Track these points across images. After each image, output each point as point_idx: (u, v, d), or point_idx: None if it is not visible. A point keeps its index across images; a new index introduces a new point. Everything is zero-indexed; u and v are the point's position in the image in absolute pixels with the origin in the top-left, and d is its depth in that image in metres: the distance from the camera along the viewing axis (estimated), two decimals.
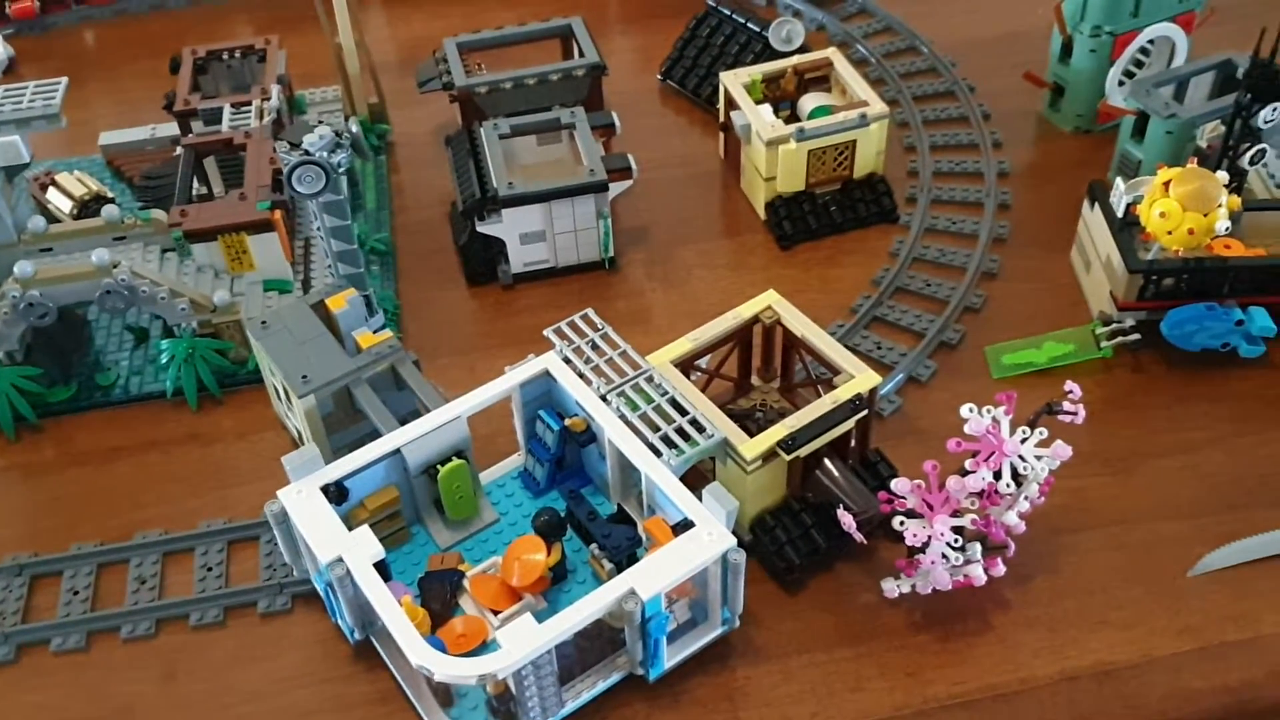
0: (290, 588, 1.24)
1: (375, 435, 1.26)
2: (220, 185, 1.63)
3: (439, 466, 1.20)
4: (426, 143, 1.86)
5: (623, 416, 1.19)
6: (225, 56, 1.74)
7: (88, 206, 1.63)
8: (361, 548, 1.09)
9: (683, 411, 1.19)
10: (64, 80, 1.48)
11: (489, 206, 1.51)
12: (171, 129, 1.77)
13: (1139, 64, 1.74)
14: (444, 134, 1.86)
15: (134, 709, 1.17)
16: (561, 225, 1.54)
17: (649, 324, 1.52)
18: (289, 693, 1.17)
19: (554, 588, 1.19)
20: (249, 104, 1.62)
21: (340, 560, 1.08)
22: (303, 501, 1.13)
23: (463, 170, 1.56)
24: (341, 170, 1.30)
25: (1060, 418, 1.16)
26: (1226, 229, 1.30)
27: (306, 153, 1.29)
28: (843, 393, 1.20)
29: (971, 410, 1.12)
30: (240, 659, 1.20)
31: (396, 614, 1.05)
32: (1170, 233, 1.30)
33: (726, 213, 1.70)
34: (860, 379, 1.20)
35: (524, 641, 1.01)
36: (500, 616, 1.15)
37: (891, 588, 1.16)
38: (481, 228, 1.53)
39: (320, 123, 1.32)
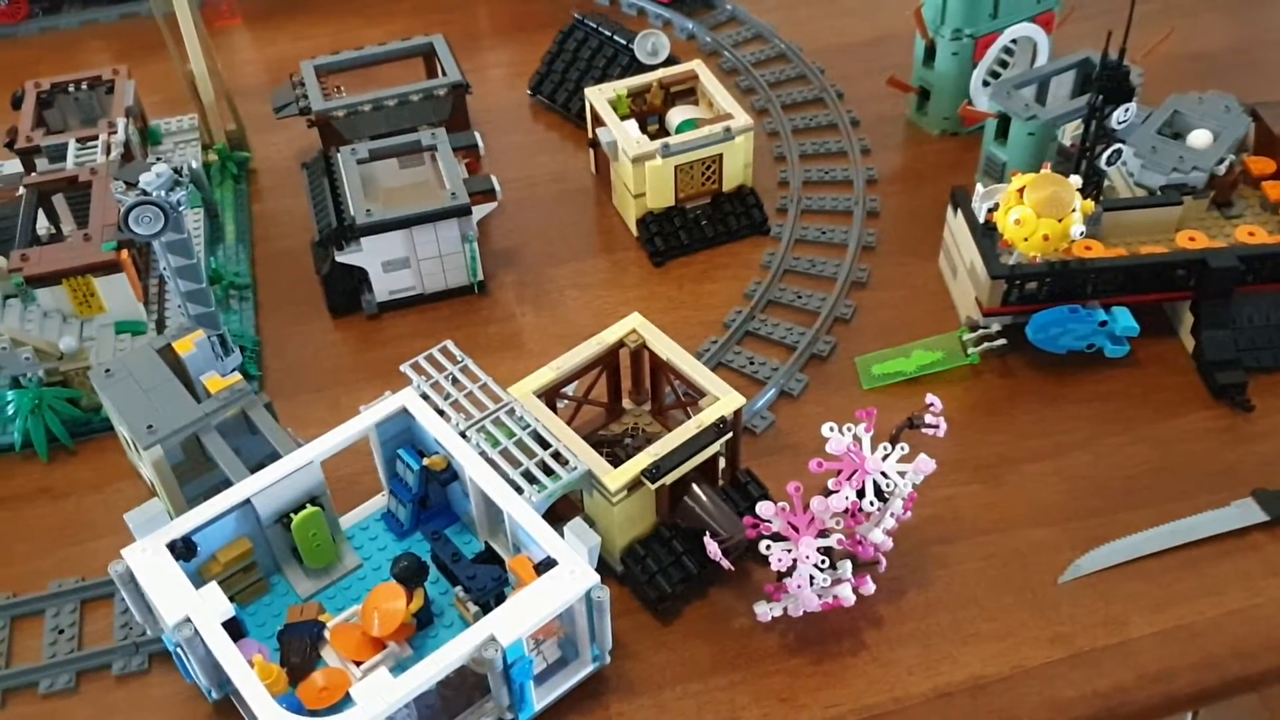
0: (146, 646, 1.19)
1: (229, 484, 1.21)
2: (72, 223, 1.56)
3: (292, 515, 1.16)
4: (288, 169, 1.80)
5: (483, 453, 1.16)
6: (71, 89, 1.66)
7: None
8: (210, 606, 1.04)
9: (545, 445, 1.16)
10: None
11: (347, 235, 1.47)
12: (18, 167, 1.70)
13: (1004, 64, 1.75)
14: (303, 160, 1.82)
15: None
16: (425, 251, 1.50)
17: (520, 349, 1.49)
18: None
19: (420, 633, 1.15)
20: (96, 138, 1.55)
21: (188, 620, 1.04)
22: (149, 559, 1.08)
23: (319, 198, 1.51)
24: (181, 209, 1.25)
25: (923, 431, 1.16)
26: (1081, 234, 1.31)
27: (144, 192, 1.24)
28: (707, 416, 1.18)
29: (832, 429, 1.11)
30: None
31: (247, 675, 1.00)
32: (1026, 239, 1.31)
33: (599, 230, 1.67)
34: (724, 400, 1.19)
35: (379, 697, 0.98)
36: (362, 668, 1.11)
37: (764, 611, 1.15)
38: (341, 257, 1.48)
39: (158, 160, 1.27)
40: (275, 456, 1.25)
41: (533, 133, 1.86)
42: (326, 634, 1.14)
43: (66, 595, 1.25)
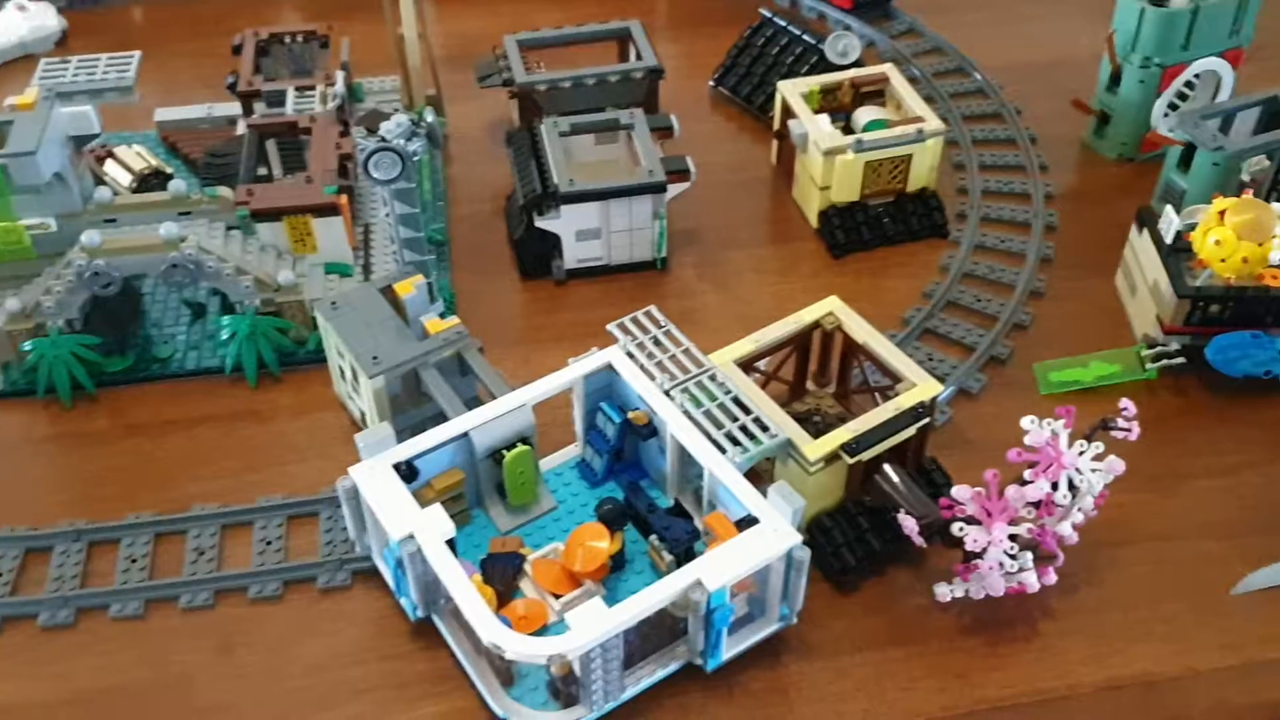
0: (350, 564, 1.26)
1: (437, 419, 1.28)
2: (279, 167, 1.65)
3: (504, 451, 1.22)
4: (478, 138, 1.88)
5: (686, 412, 1.21)
6: (287, 40, 1.76)
7: (146, 181, 1.65)
8: (433, 525, 1.11)
9: (746, 410, 1.21)
10: (137, 54, 1.50)
11: (549, 202, 1.53)
12: (228, 109, 1.80)
13: (1183, 96, 1.78)
14: (494, 130, 1.89)
15: (192, 677, 1.18)
16: (618, 224, 1.56)
17: (700, 325, 1.54)
18: (347, 668, 1.19)
19: (611, 575, 1.21)
20: (313, 88, 1.64)
21: (411, 537, 1.10)
22: (374, 478, 1.15)
23: (524, 165, 1.58)
24: (416, 158, 1.33)
25: (1114, 434, 1.19)
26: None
27: (383, 139, 1.32)
28: (905, 400, 1.22)
29: (1033, 422, 1.15)
30: (298, 633, 1.22)
31: (468, 591, 1.07)
32: (1224, 260, 1.34)
33: (777, 220, 1.72)
34: (922, 387, 1.23)
35: (594, 625, 1.04)
36: (561, 601, 1.17)
37: (944, 592, 1.19)
38: (539, 223, 1.55)
39: (396, 110, 1.34)
40: (477, 400, 1.32)
41: (712, 122, 1.92)
42: (527, 566, 1.20)
43: (274, 510, 1.32)
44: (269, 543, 1.29)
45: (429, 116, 1.34)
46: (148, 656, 1.20)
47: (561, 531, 1.26)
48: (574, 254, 1.59)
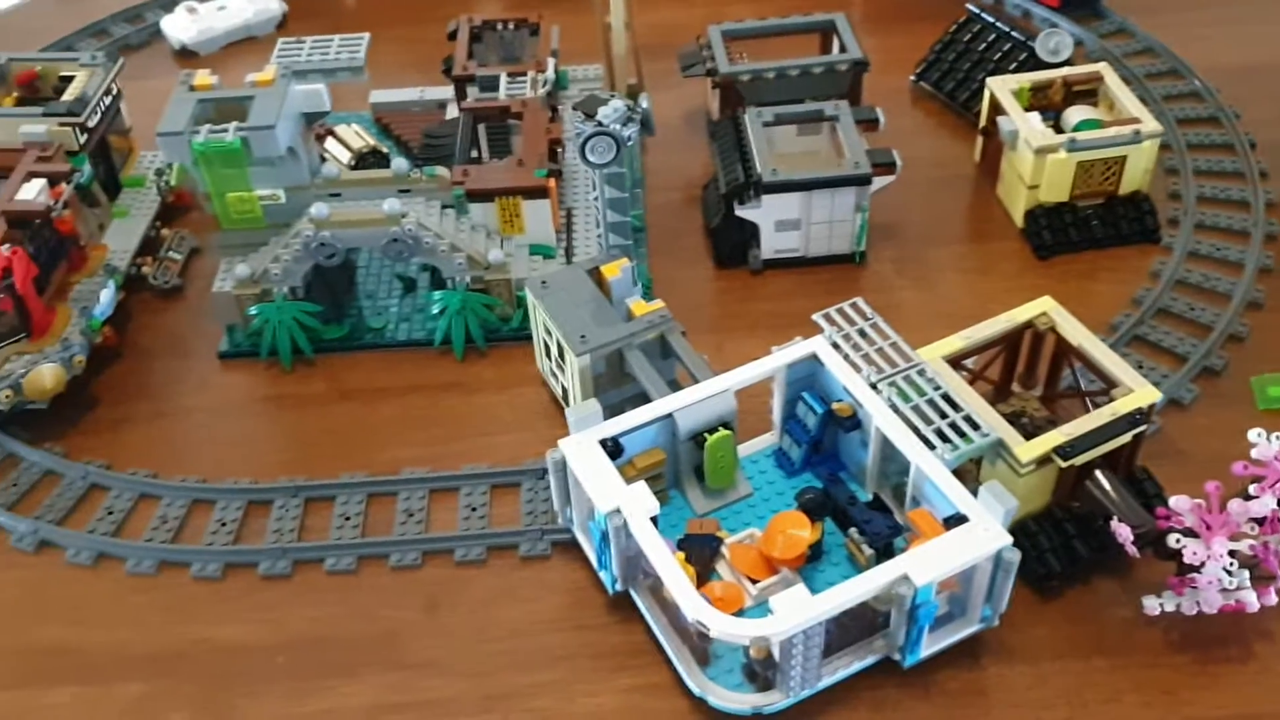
0: (551, 534, 1.30)
1: (636, 399, 1.31)
2: (487, 151, 1.70)
3: (706, 435, 1.24)
4: (674, 127, 1.90)
5: (893, 406, 1.21)
6: (499, 27, 1.81)
7: (364, 159, 1.72)
8: (639, 502, 1.13)
9: (956, 408, 1.20)
10: (366, 36, 1.57)
11: (750, 191, 1.54)
12: (439, 92, 1.86)
13: None
14: (690, 119, 1.91)
15: (399, 633, 1.23)
16: (818, 215, 1.56)
17: (899, 320, 1.50)
18: (546, 635, 1.22)
19: (807, 565, 1.22)
20: (524, 74, 1.69)
21: (618, 511, 1.13)
22: (582, 452, 1.18)
23: (727, 154, 1.60)
24: (630, 143, 1.35)
25: None
26: None
27: (600, 124, 1.35)
28: (1121, 406, 1.19)
29: (1260, 435, 1.11)
30: (500, 597, 1.26)
31: (673, 568, 1.09)
32: None
33: (979, 218, 1.70)
34: (1140, 393, 1.20)
35: (799, 611, 1.04)
36: (758, 586, 1.19)
37: (1153, 605, 1.15)
38: (740, 211, 1.56)
39: (613, 96, 1.37)
40: (675, 384, 1.34)
41: (912, 117, 1.90)
42: (724, 549, 1.22)
43: (478, 478, 1.37)
44: (474, 509, 1.34)
45: (644, 103, 1.37)
46: (359, 610, 1.26)
47: (757, 518, 1.27)
48: (771, 244, 1.60)
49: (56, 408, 1.45)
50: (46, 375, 1.40)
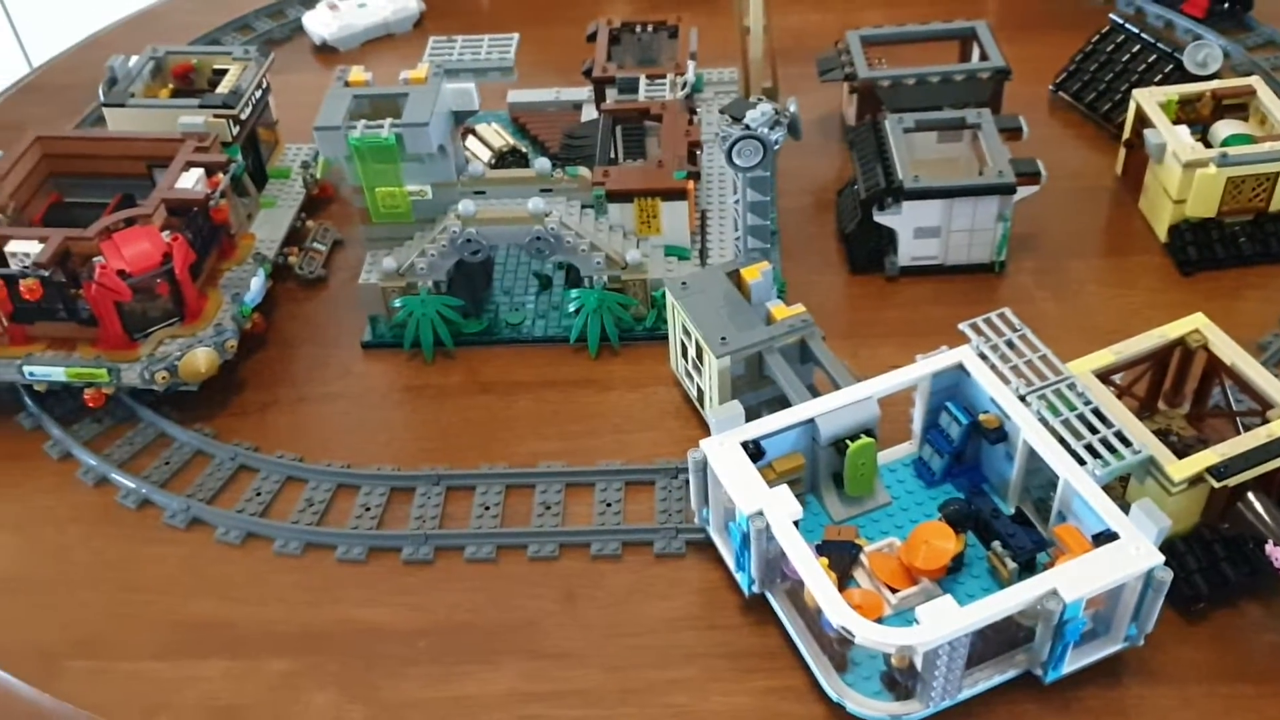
0: (685, 533, 1.31)
1: (773, 403, 1.31)
2: (622, 152, 1.72)
3: (848, 441, 1.24)
4: (805, 131, 1.89)
5: (1042, 420, 1.19)
6: (638, 29, 1.83)
7: (504, 158, 1.76)
8: (782, 505, 1.14)
9: (1106, 423, 1.18)
10: (516, 36, 1.60)
11: (890, 197, 1.54)
12: (575, 93, 1.89)
13: None
14: (822, 124, 1.91)
15: (538, 623, 1.26)
16: (959, 223, 1.55)
17: (1038, 333, 1.48)
18: (680, 632, 1.23)
19: (946, 577, 1.21)
20: (664, 77, 1.70)
21: (760, 514, 1.14)
22: (724, 454, 1.19)
23: (867, 159, 1.59)
24: (777, 147, 1.36)
25: None
26: None
27: (748, 127, 1.36)
28: (1278, 427, 1.16)
29: None
30: (635, 593, 1.28)
31: (817, 572, 1.09)
32: None
33: (1119, 231, 1.67)
34: None
35: (945, 622, 1.04)
36: (898, 595, 1.18)
37: None
38: (878, 217, 1.56)
39: (760, 99, 1.38)
40: (813, 389, 1.34)
41: (1050, 126, 1.87)
42: (863, 557, 1.22)
43: (613, 474, 1.39)
44: (609, 505, 1.36)
45: (792, 107, 1.37)
46: (497, 598, 1.28)
47: (895, 527, 1.27)
48: (909, 251, 1.59)
49: (206, 390, 1.50)
50: (200, 358, 1.45)
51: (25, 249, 1.42)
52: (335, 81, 1.53)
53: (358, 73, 1.53)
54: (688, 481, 1.35)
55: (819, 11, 2.22)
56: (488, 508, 1.37)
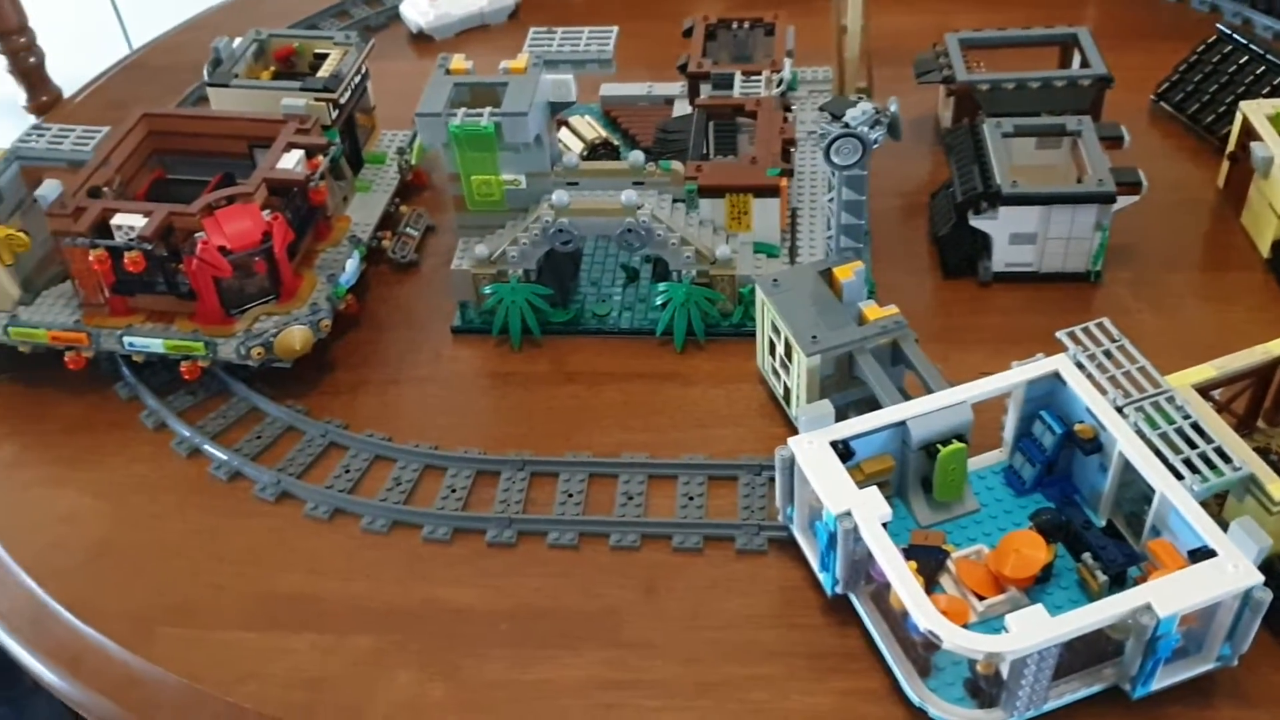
0: (768, 531, 1.31)
1: (860, 404, 1.31)
2: (713, 147, 1.72)
3: (939, 446, 1.23)
4: None
5: (1139, 432, 1.17)
6: (734, 26, 1.83)
7: (595, 150, 1.77)
8: (870, 506, 1.13)
9: (1206, 439, 1.16)
10: (615, 29, 1.61)
11: (988, 202, 1.52)
12: (666, 88, 1.90)
13: None
14: (914, 127, 1.90)
15: (619, 611, 1.26)
16: (1056, 231, 1.53)
17: (1134, 345, 1.48)
18: (760, 629, 1.23)
19: (1034, 586, 1.20)
20: (759, 73, 1.70)
21: (849, 514, 1.13)
22: (812, 452, 1.19)
23: (964, 163, 1.58)
24: (876, 146, 1.35)
25: None
26: None
27: (847, 125, 1.35)
28: None
29: None
30: (716, 587, 1.28)
31: (906, 575, 1.08)
32: None
33: (1220, 245, 1.64)
34: None
35: (1036, 631, 1.03)
36: (984, 603, 1.17)
37: None
38: (974, 221, 1.54)
39: (860, 98, 1.37)
40: (903, 392, 1.33)
41: (1150, 137, 1.84)
42: (950, 563, 1.21)
43: (696, 468, 1.39)
44: (691, 498, 1.36)
45: (893, 106, 1.36)
46: (579, 586, 1.29)
47: (982, 534, 1.26)
48: (1003, 257, 1.57)
49: (298, 368, 1.53)
50: (296, 336, 1.48)
51: (130, 222, 1.46)
52: (437, 69, 1.55)
53: (459, 61, 1.55)
54: (771, 479, 1.36)
55: (910, 14, 2.20)
56: (570, 495, 1.38)
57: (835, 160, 1.35)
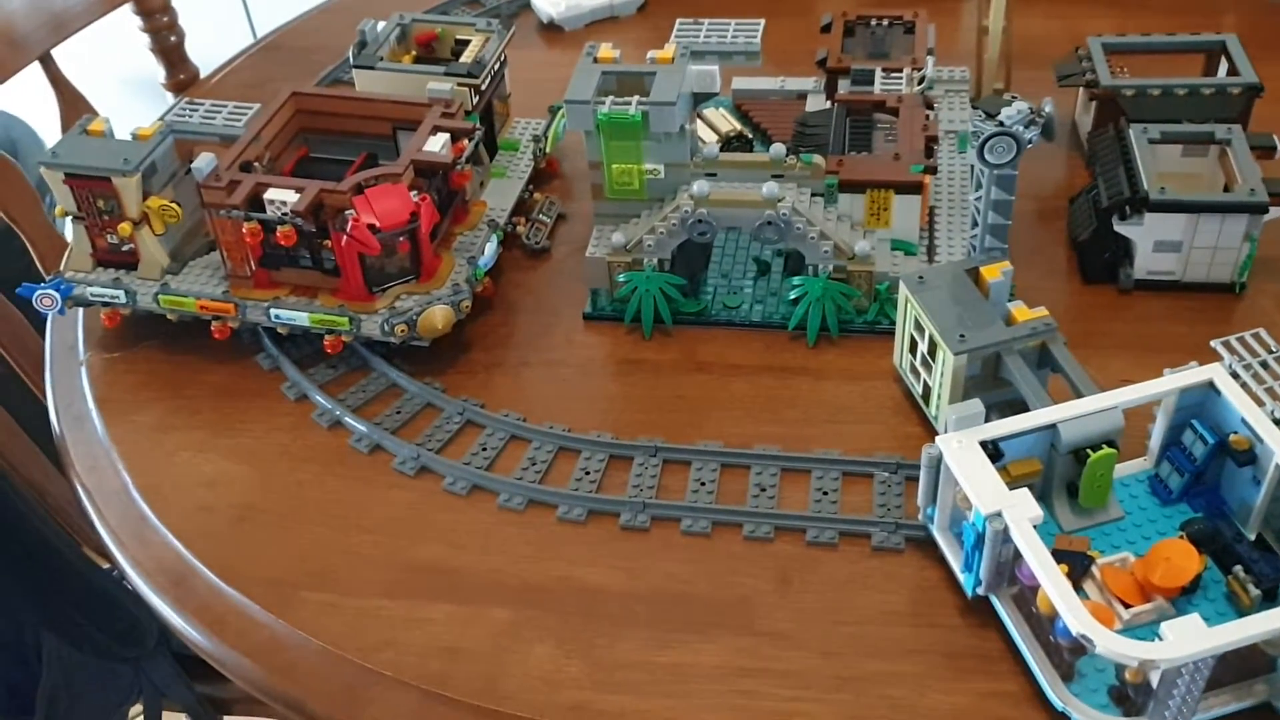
0: (905, 529, 1.31)
1: (1004, 406, 1.30)
2: (847, 143, 1.71)
3: (1089, 451, 1.22)
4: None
5: None
6: (873, 23, 1.82)
7: (730, 143, 1.77)
8: (1022, 508, 1.13)
9: None
10: (762, 21, 1.61)
11: (1134, 207, 1.50)
12: (799, 83, 1.89)
13: None
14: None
15: (751, 601, 1.27)
16: (1203, 240, 1.50)
17: None
18: (896, 626, 1.23)
19: (1180, 597, 1.18)
20: (900, 70, 1.69)
21: (999, 515, 1.13)
22: (962, 452, 1.18)
23: (1109, 168, 1.56)
24: (1030, 146, 1.34)
25: None
26: None
27: (1002, 124, 1.34)
28: None
29: None
30: (851, 583, 1.28)
31: (1058, 577, 1.07)
32: None
33: None
34: None
35: (1193, 640, 1.01)
36: (1130, 611, 1.16)
37: None
38: (1119, 227, 1.52)
39: (1015, 97, 1.36)
40: (1041, 398, 1.32)
41: None
42: (1095, 569, 1.19)
43: (830, 463, 1.39)
44: (825, 493, 1.36)
45: (1047, 107, 1.35)
46: (711, 573, 1.30)
47: (1126, 542, 1.24)
48: (1145, 264, 1.55)
49: (435, 347, 1.55)
50: (438, 316, 1.51)
51: (283, 197, 1.49)
52: (584, 57, 1.57)
53: (606, 49, 1.57)
54: (907, 476, 1.36)
55: (1041, 17, 2.17)
56: (703, 483, 1.38)
57: (988, 159, 1.34)
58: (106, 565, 1.73)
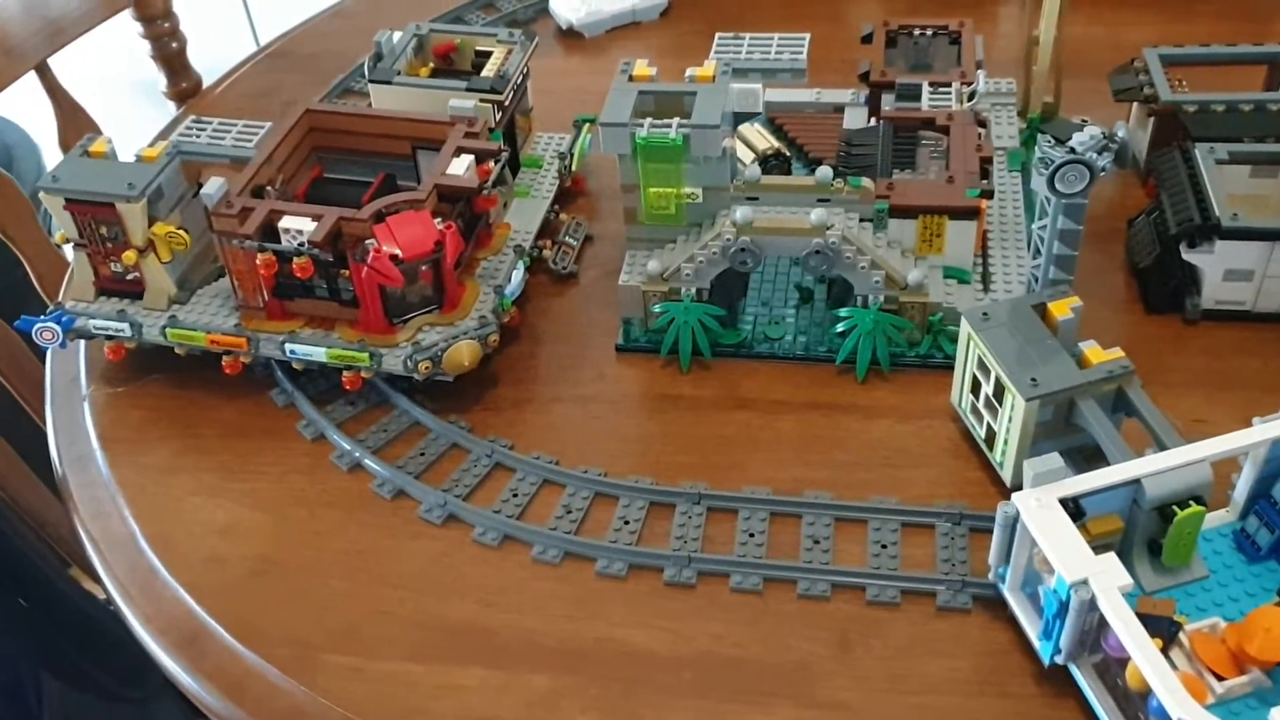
0: (971, 586, 1.22)
1: (1076, 453, 1.21)
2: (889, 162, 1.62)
3: (1175, 507, 1.13)
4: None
5: None
6: (916, 33, 1.73)
7: (767, 161, 1.68)
8: (1109, 575, 1.04)
9: None
10: (808, 36, 1.52)
11: (1205, 235, 1.41)
12: (834, 95, 1.80)
13: None
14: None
15: (810, 667, 1.18)
16: (1278, 269, 1.42)
17: None
18: (967, 696, 1.14)
19: (1278, 668, 1.09)
20: (948, 84, 1.60)
21: (1086, 582, 1.04)
22: (1041, 512, 1.10)
23: (1176, 190, 1.47)
24: (1104, 173, 1.25)
25: None
26: None
27: (1073, 150, 1.25)
28: None
29: None
30: (915, 646, 1.19)
31: (1153, 653, 0.99)
32: None
33: None
34: None
35: None
36: (1224, 684, 1.07)
37: None
38: (1186, 255, 1.43)
39: (1085, 121, 1.27)
40: (1122, 450, 1.23)
41: None
42: (1183, 636, 1.11)
43: (888, 513, 1.30)
44: (884, 546, 1.27)
45: (1120, 132, 1.26)
46: (765, 636, 1.21)
47: (1212, 603, 1.16)
48: (1214, 294, 1.46)
49: (459, 381, 1.46)
50: (464, 352, 1.42)
51: (299, 226, 1.40)
52: (619, 75, 1.47)
53: (642, 66, 1.47)
54: (971, 528, 1.27)
55: (1083, 24, 2.07)
56: (752, 534, 1.29)
57: (1059, 187, 1.25)
58: (104, 597, 1.64)
